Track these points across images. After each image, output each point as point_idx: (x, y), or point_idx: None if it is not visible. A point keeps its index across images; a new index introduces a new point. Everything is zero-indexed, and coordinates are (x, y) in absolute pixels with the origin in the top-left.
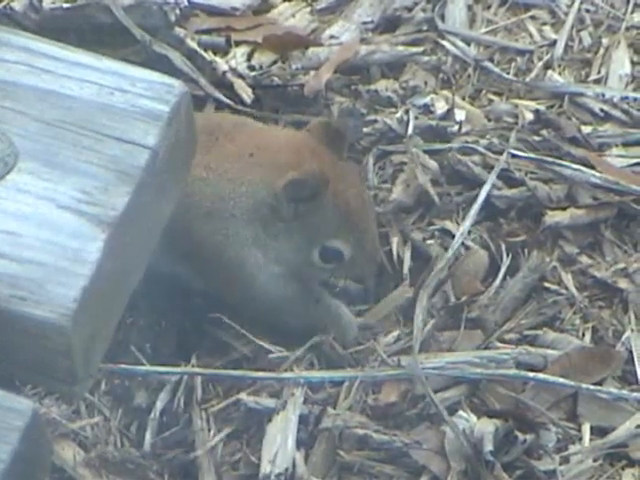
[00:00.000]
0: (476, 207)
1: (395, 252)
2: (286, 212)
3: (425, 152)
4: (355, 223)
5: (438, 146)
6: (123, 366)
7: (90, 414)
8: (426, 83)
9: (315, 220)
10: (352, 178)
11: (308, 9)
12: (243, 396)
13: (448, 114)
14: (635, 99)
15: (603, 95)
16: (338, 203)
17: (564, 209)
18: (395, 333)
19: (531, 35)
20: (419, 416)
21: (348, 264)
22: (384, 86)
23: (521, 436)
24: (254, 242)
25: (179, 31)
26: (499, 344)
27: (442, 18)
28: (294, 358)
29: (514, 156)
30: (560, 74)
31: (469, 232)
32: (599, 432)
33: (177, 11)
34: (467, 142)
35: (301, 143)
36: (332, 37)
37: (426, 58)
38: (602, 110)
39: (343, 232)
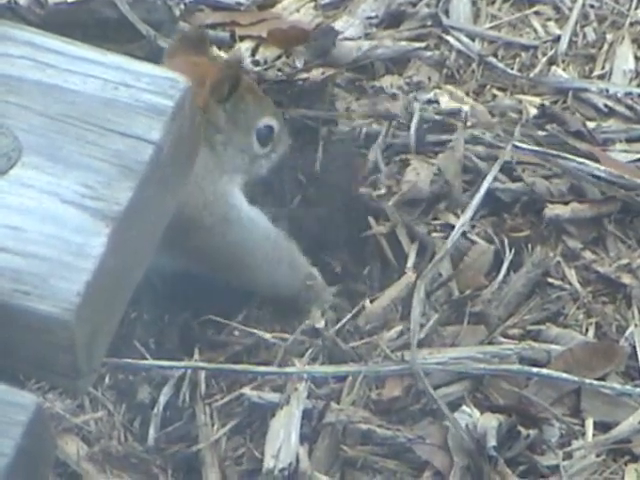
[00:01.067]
0: (478, 197)
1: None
2: (220, 118)
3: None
4: (266, 98)
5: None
6: (127, 360)
7: (94, 409)
8: (430, 78)
9: (241, 111)
10: None
11: (312, 4)
12: (246, 391)
13: (452, 109)
14: (639, 95)
15: (607, 91)
16: (248, 87)
17: (567, 203)
18: (398, 328)
19: (535, 30)
20: (422, 411)
21: (277, 139)
22: (388, 82)
23: (524, 431)
24: (218, 171)
25: (184, 26)
26: (502, 339)
27: (446, 13)
28: (290, 342)
29: (518, 149)
30: (564, 70)
31: (473, 227)
32: (602, 427)
33: (182, 6)
34: (471, 137)
35: (182, 63)
36: None
37: (430, 53)
38: (606, 106)
39: (265, 109)
